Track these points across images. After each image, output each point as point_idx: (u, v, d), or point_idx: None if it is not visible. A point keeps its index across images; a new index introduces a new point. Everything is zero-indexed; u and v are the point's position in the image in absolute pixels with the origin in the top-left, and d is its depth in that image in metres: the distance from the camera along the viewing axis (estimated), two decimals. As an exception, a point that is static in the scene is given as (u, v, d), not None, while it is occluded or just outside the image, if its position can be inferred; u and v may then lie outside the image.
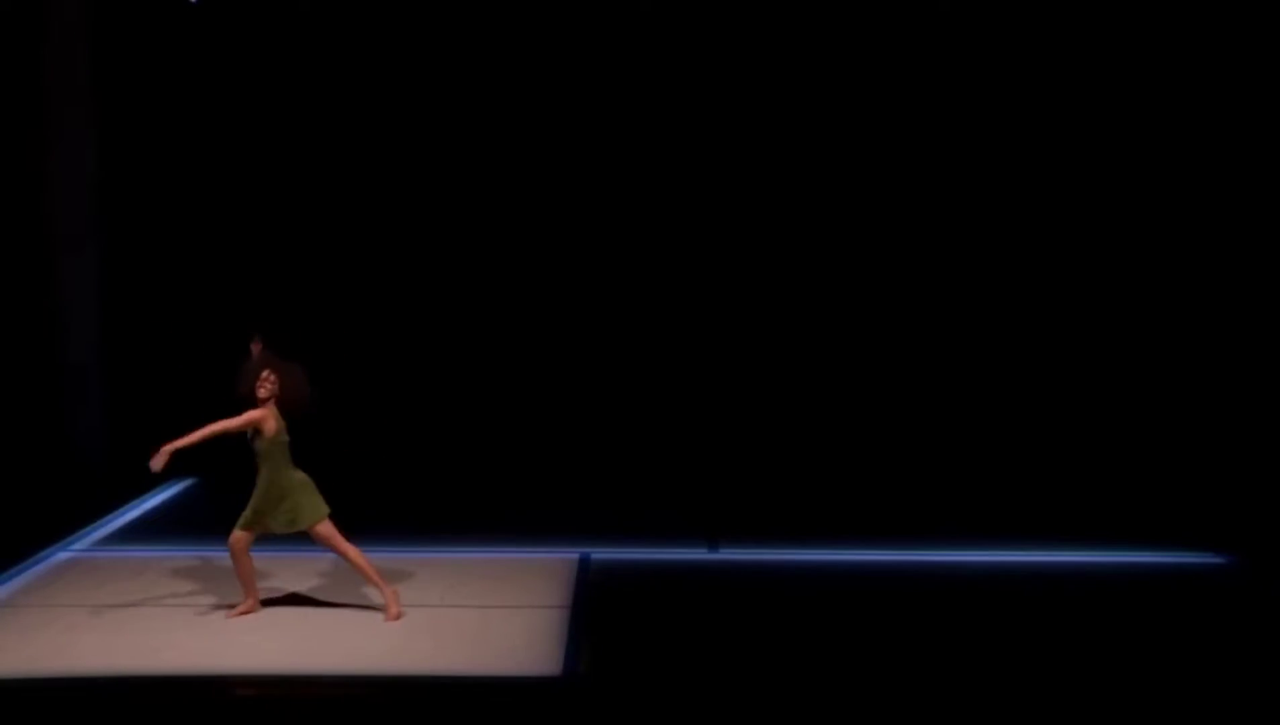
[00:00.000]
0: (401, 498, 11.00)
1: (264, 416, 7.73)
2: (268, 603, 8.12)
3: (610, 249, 12.21)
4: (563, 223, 12.21)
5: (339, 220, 12.16)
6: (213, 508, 10.65)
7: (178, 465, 11.47)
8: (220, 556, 8.99)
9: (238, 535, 7.81)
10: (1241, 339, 11.79)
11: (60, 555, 9.32)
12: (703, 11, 11.98)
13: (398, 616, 7.88)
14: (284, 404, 7.77)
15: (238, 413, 7.75)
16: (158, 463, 7.58)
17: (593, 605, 8.24)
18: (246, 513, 7.81)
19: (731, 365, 12.22)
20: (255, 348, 7.92)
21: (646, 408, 12.14)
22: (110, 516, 10.38)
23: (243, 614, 7.91)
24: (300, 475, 7.83)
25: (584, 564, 9.09)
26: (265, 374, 7.77)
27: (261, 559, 8.50)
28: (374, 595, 8.11)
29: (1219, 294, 11.88)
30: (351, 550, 7.89)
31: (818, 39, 12.00)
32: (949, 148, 12.03)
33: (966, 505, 10.91)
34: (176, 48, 11.96)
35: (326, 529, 7.84)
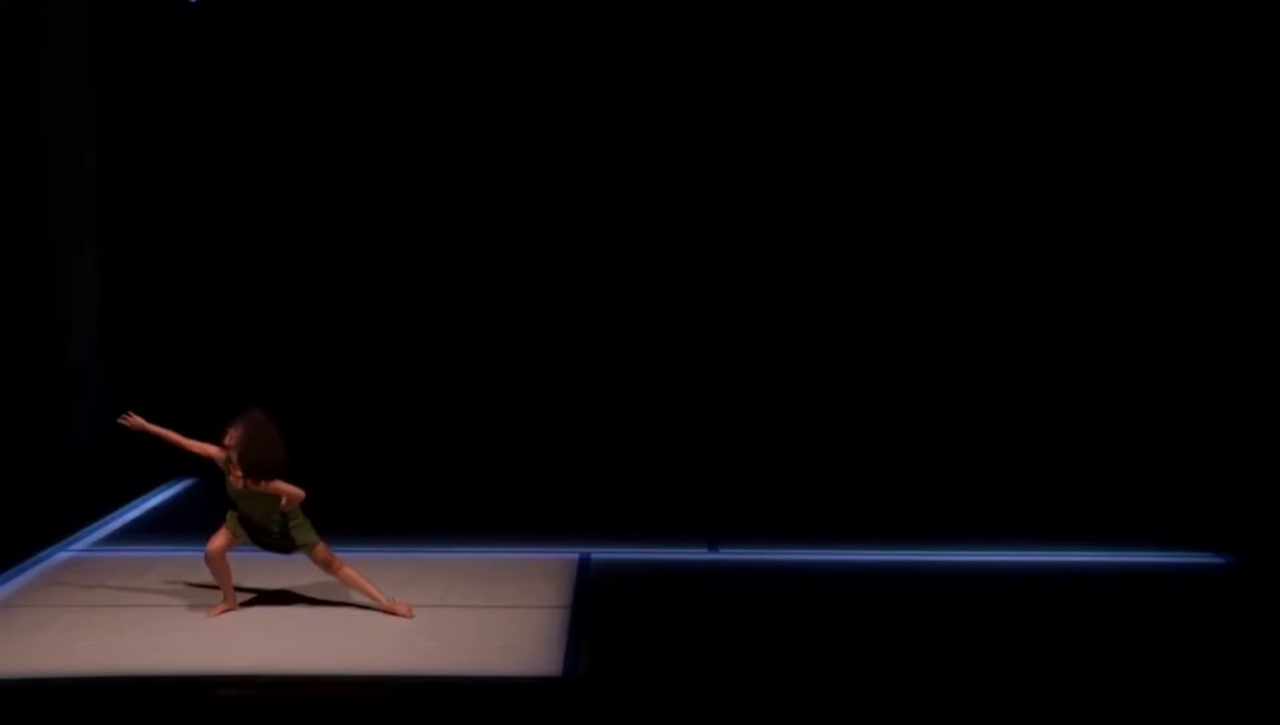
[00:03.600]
0: (402, 498, 10.99)
1: (219, 458, 7.71)
2: (268, 603, 8.13)
3: (610, 250, 12.22)
4: (563, 225, 12.22)
5: (339, 220, 12.17)
6: (213, 508, 10.66)
7: (178, 465, 11.63)
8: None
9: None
10: (1241, 339, 11.80)
11: (60, 555, 9.32)
12: (702, 11, 11.97)
13: (408, 612, 7.91)
14: (240, 462, 7.68)
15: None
16: (130, 423, 7.81)
17: (593, 605, 8.24)
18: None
19: (731, 365, 12.22)
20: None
21: (646, 408, 12.14)
22: (110, 516, 10.37)
23: (222, 612, 7.95)
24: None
25: (584, 564, 9.09)
26: (233, 431, 7.70)
27: (262, 558, 8.51)
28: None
29: (1219, 294, 11.88)
30: (349, 571, 7.93)
31: (817, 38, 12.00)
32: (948, 148, 12.04)
33: (966, 505, 10.91)
34: (176, 48, 11.96)
35: (323, 553, 7.86)
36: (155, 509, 10.88)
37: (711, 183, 12.16)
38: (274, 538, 7.80)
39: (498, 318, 12.24)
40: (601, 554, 9.30)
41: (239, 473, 7.67)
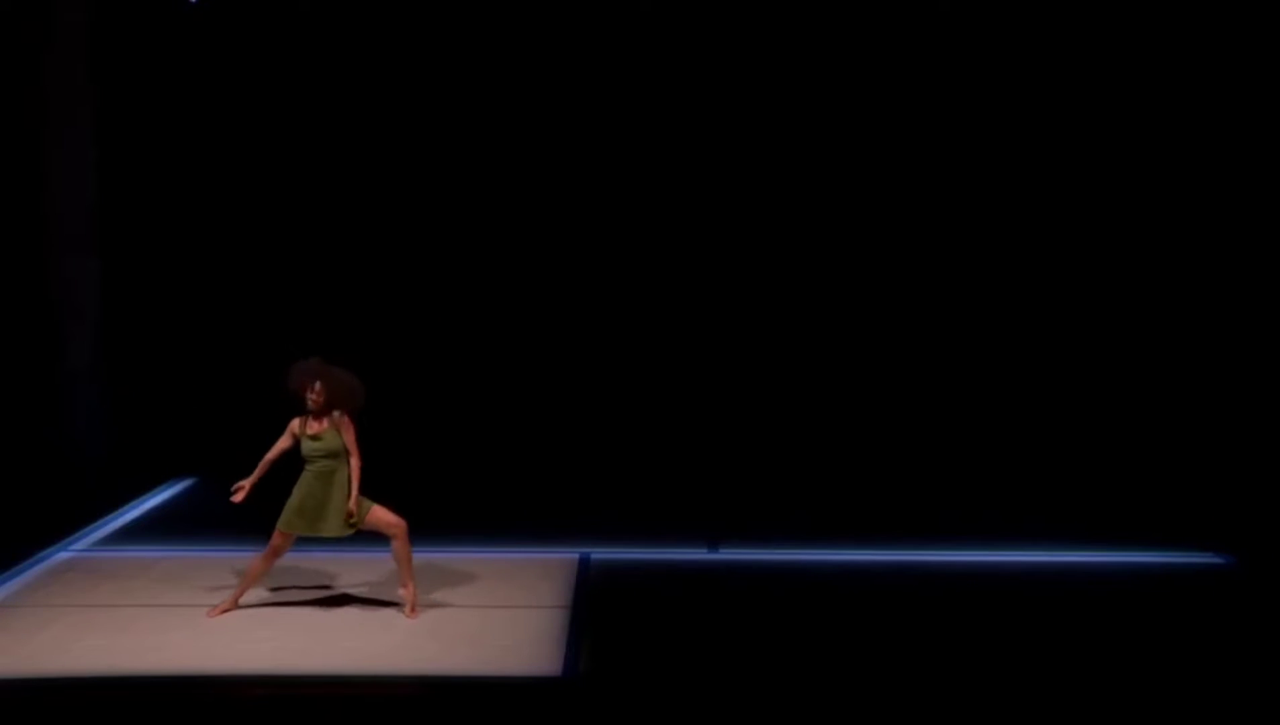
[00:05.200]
0: (403, 498, 10.96)
1: (296, 431, 7.82)
2: (269, 603, 8.13)
3: (610, 251, 12.21)
4: (564, 226, 12.21)
5: (339, 221, 12.15)
6: (213, 508, 10.66)
7: (177, 465, 11.65)
8: (219, 556, 9.02)
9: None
10: (1241, 339, 11.79)
11: (60, 555, 9.32)
12: (702, 12, 11.97)
13: (414, 611, 7.92)
14: (335, 408, 7.81)
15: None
16: (239, 498, 7.78)
17: (593, 605, 8.24)
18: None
19: (731, 366, 12.22)
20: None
21: (647, 409, 12.13)
22: (110, 516, 10.37)
23: (223, 612, 7.95)
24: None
25: (584, 564, 9.09)
26: (315, 385, 7.79)
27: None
28: (376, 595, 8.12)
29: (1219, 294, 11.88)
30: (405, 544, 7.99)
31: (817, 39, 12.00)
32: (949, 149, 12.04)
33: (967, 505, 10.91)
34: (176, 48, 11.95)
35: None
36: (155, 509, 10.88)
37: (707, 186, 12.14)
38: (334, 512, 7.76)
39: (499, 320, 12.23)
40: (601, 554, 9.31)
41: (318, 424, 7.77)
